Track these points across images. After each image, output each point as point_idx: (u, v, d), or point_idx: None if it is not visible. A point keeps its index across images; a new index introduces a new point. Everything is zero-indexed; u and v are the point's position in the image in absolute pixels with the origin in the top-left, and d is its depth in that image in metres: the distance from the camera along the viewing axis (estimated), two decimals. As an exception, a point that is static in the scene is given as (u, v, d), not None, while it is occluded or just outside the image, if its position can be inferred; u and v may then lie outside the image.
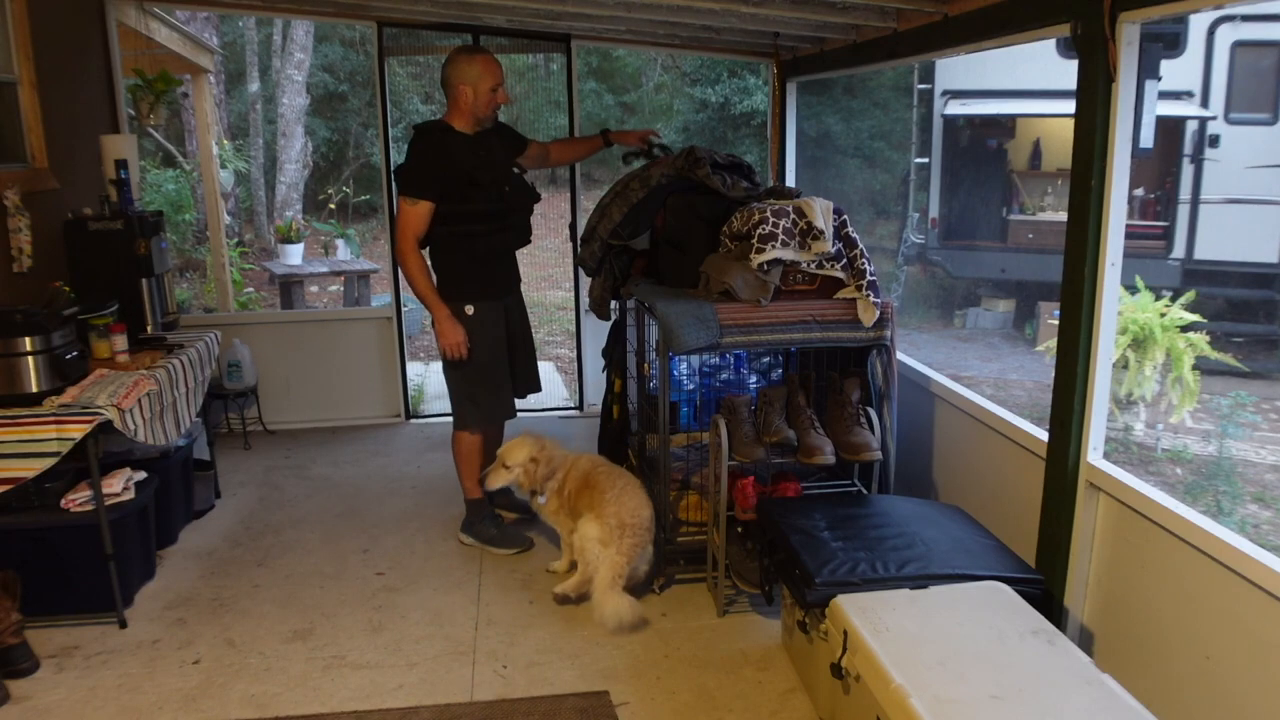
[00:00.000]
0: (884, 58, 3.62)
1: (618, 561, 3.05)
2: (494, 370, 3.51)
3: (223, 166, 7.78)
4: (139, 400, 3.09)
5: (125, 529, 3.15)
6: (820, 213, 3.06)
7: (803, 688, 2.69)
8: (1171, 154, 8.44)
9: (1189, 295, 6.94)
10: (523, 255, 3.68)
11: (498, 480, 3.31)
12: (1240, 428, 6.66)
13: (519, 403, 3.73)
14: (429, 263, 3.39)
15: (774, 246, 3.03)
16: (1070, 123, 2.46)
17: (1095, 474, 2.48)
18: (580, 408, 5.40)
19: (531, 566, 3.49)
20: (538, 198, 3.53)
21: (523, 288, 3.73)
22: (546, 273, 10.32)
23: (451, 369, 3.48)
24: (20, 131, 3.66)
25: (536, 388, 3.75)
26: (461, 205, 3.29)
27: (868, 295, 3.07)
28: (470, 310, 3.42)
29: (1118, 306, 2.46)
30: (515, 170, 3.49)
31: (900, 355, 3.43)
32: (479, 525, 3.63)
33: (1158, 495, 2.31)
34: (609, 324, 4.12)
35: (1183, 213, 8.43)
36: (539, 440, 3.34)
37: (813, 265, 3.11)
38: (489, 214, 3.36)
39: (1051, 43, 7.48)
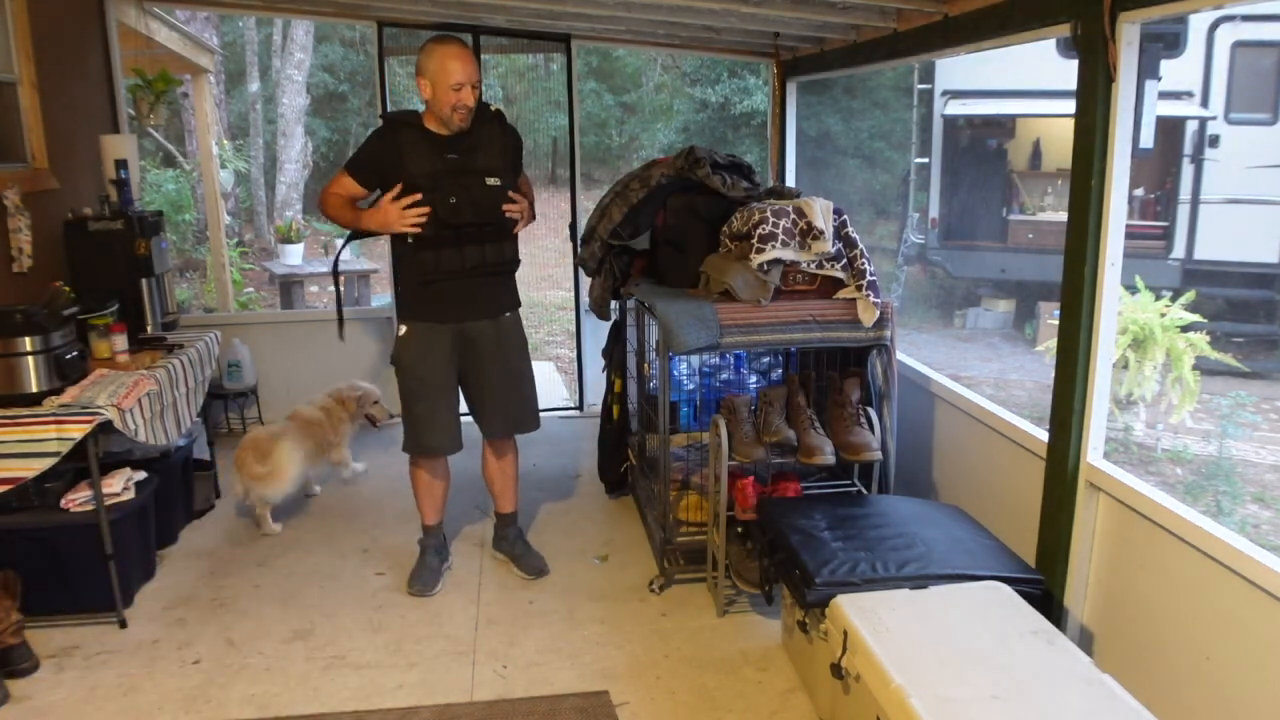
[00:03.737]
0: (884, 58, 3.62)
1: None
2: (422, 397, 3.17)
3: (223, 166, 7.78)
4: (139, 400, 3.09)
5: (125, 529, 3.15)
6: (820, 213, 3.06)
7: (803, 688, 2.69)
8: (1171, 154, 8.45)
9: (1189, 295, 6.94)
10: (523, 255, 3.48)
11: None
12: (1240, 428, 6.67)
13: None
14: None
15: (774, 246, 3.03)
16: (1070, 123, 2.46)
17: (1095, 474, 2.48)
18: (580, 408, 5.40)
19: (531, 566, 3.49)
20: (505, 228, 3.11)
21: (523, 289, 3.48)
22: (546, 273, 10.32)
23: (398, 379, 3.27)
24: (20, 131, 3.65)
25: (500, 430, 3.33)
26: None
27: (868, 295, 3.07)
28: (403, 330, 3.16)
29: (1118, 306, 2.46)
30: (494, 184, 3.03)
31: (900, 355, 3.43)
32: (421, 559, 3.40)
33: (1158, 495, 2.31)
34: (609, 324, 4.13)
35: (1183, 213, 8.43)
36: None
37: (813, 265, 3.11)
38: (428, 227, 3.00)
39: (1051, 43, 7.47)
